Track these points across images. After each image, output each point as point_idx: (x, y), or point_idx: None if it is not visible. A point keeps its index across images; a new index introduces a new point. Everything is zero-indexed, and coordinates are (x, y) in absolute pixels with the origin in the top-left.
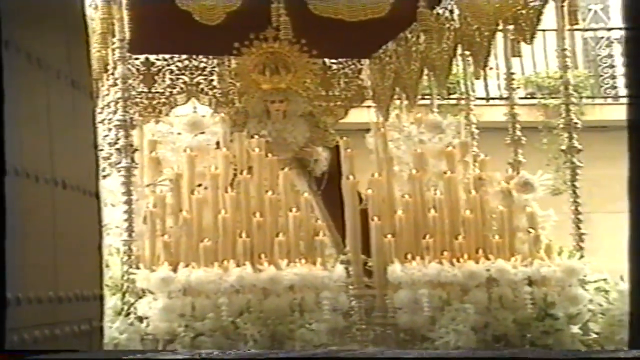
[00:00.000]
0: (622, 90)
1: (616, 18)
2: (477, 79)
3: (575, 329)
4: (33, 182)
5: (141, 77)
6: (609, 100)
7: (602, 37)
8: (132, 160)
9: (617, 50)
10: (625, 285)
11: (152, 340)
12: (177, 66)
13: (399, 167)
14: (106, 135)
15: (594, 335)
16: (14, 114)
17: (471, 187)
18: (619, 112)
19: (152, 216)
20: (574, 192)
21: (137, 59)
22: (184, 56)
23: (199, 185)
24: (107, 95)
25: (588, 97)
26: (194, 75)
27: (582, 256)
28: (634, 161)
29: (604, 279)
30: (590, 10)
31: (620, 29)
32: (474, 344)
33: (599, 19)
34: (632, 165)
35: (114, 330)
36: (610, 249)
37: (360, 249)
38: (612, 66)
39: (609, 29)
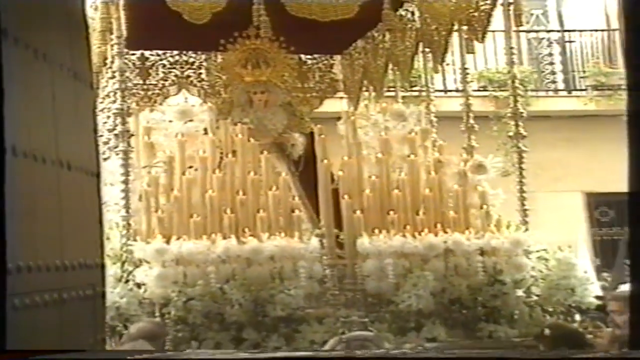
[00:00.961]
0: (561, 84)
1: (554, 21)
2: (436, 73)
3: (519, 292)
4: (41, 164)
5: (137, 70)
6: (550, 93)
7: (543, 38)
8: (129, 144)
9: (556, 49)
10: (562, 254)
11: (149, 304)
12: (169, 61)
13: (366, 151)
14: (105, 122)
15: (535, 298)
16: (21, 104)
17: (431, 169)
18: (559, 103)
19: (147, 194)
20: (520, 173)
21: (133, 54)
22: (175, 52)
23: (189, 167)
24: (106, 86)
25: (532, 90)
26: (184, 69)
27: (526, 229)
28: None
29: (545, 249)
30: (532, 14)
31: (557, 31)
32: (433, 307)
33: (540, 22)
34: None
35: (115, 295)
36: (550, 224)
37: (333, 224)
38: (551, 63)
39: (549, 31)
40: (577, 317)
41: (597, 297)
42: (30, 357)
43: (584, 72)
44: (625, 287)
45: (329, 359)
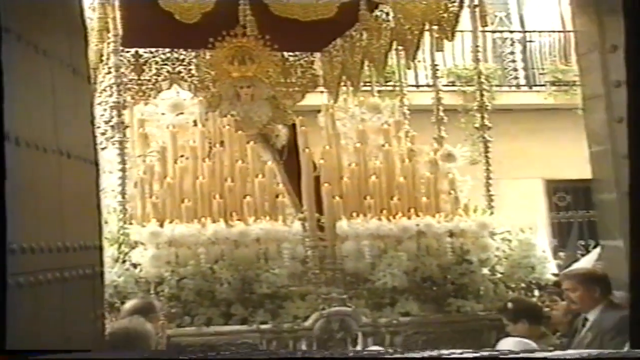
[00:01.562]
0: (522, 80)
1: (516, 23)
2: (408, 69)
3: (485, 270)
4: (42, 153)
5: (132, 66)
6: (513, 88)
7: (506, 38)
8: (125, 135)
9: (518, 48)
10: (523, 236)
11: (144, 282)
12: (161, 58)
13: (345, 141)
14: (102, 115)
15: (499, 275)
16: (23, 97)
17: (404, 157)
18: (520, 98)
19: (142, 182)
20: (486, 162)
21: (128, 51)
22: (167, 49)
23: (181, 156)
24: (103, 81)
25: (496, 85)
26: (176, 65)
27: (491, 213)
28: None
29: (508, 231)
30: (496, 16)
31: (519, 31)
32: (406, 284)
33: (503, 23)
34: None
35: (113, 274)
36: (513, 208)
37: (314, 208)
38: (514, 61)
39: (511, 32)
40: (536, 292)
41: (554, 275)
42: (30, 357)
43: (543, 69)
44: (578, 265)
45: (332, 359)
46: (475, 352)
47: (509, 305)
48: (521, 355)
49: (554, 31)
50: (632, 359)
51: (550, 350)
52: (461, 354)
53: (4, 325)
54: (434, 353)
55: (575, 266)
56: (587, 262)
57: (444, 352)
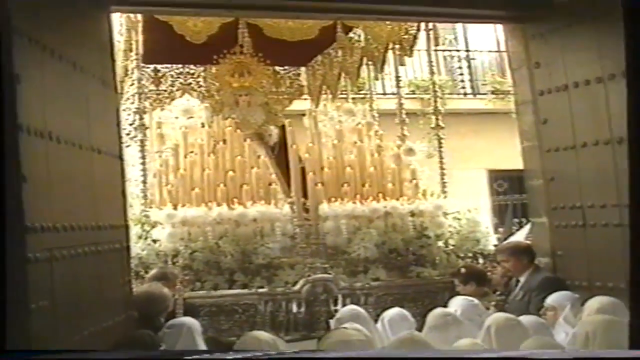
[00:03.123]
0: (468, 89)
1: (462, 43)
2: (377, 80)
3: (440, 243)
4: (78, 149)
5: (151, 79)
6: (460, 96)
7: (454, 56)
8: (145, 135)
9: (464, 64)
10: (470, 215)
11: (163, 255)
12: (175, 72)
13: (325, 139)
14: (127, 119)
15: (451, 247)
16: (63, 105)
17: (374, 152)
18: (467, 104)
19: (160, 173)
20: (440, 155)
21: (148, 67)
22: (180, 65)
23: (191, 152)
24: (128, 91)
25: (447, 94)
26: (187, 78)
27: (445, 197)
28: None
29: (458, 212)
30: (446, 38)
31: (465, 50)
32: (376, 255)
33: (452, 44)
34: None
35: (137, 248)
36: (462, 193)
37: (301, 194)
38: (461, 74)
39: (458, 50)
40: (481, 260)
41: (494, 246)
42: (30, 357)
43: (484, 80)
44: (513, 238)
45: (334, 359)
46: (476, 353)
47: (462, 270)
48: (522, 354)
49: (492, 51)
50: (632, 358)
51: (495, 306)
52: (462, 354)
53: (4, 325)
54: (379, 290)
55: (511, 239)
56: (521, 235)
57: (450, 351)
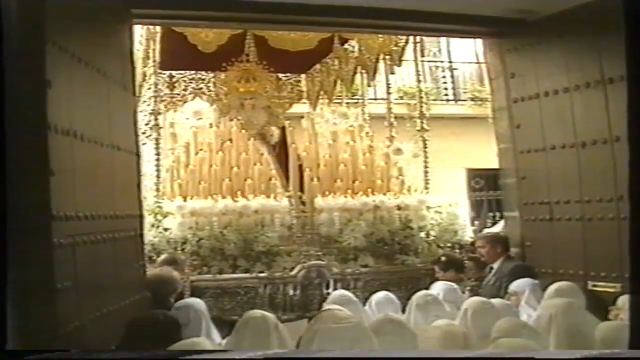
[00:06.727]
0: (451, 96)
1: (445, 55)
2: (369, 87)
3: (422, 234)
4: (99, 147)
5: (166, 84)
6: (444, 102)
7: (439, 66)
8: (159, 134)
9: (447, 73)
10: (450, 209)
11: (173, 242)
12: (188, 77)
13: (321, 139)
14: (143, 119)
15: (432, 238)
16: (87, 107)
17: (365, 151)
18: (449, 109)
19: (172, 168)
20: (425, 155)
21: (164, 73)
22: (192, 71)
23: (200, 149)
24: (145, 95)
25: (432, 100)
26: (198, 83)
27: (427, 193)
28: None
29: (439, 206)
30: (431, 50)
31: (448, 61)
32: (365, 244)
33: (437, 55)
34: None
35: (150, 236)
36: (443, 189)
37: (298, 188)
38: (445, 82)
39: (442, 61)
40: (458, 250)
41: (471, 237)
42: (30, 357)
43: (465, 88)
44: (486, 231)
45: (334, 359)
46: (476, 353)
47: (442, 258)
48: (520, 355)
49: (472, 62)
50: (632, 358)
51: (470, 290)
52: (463, 354)
53: (4, 325)
54: (368, 275)
55: (485, 231)
56: (496, 228)
57: (448, 354)
